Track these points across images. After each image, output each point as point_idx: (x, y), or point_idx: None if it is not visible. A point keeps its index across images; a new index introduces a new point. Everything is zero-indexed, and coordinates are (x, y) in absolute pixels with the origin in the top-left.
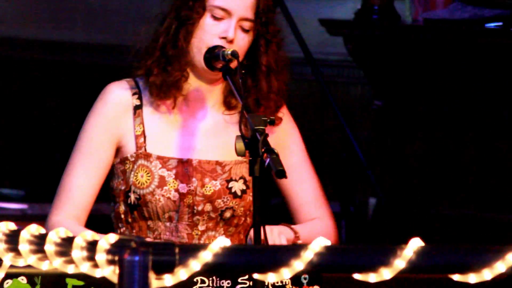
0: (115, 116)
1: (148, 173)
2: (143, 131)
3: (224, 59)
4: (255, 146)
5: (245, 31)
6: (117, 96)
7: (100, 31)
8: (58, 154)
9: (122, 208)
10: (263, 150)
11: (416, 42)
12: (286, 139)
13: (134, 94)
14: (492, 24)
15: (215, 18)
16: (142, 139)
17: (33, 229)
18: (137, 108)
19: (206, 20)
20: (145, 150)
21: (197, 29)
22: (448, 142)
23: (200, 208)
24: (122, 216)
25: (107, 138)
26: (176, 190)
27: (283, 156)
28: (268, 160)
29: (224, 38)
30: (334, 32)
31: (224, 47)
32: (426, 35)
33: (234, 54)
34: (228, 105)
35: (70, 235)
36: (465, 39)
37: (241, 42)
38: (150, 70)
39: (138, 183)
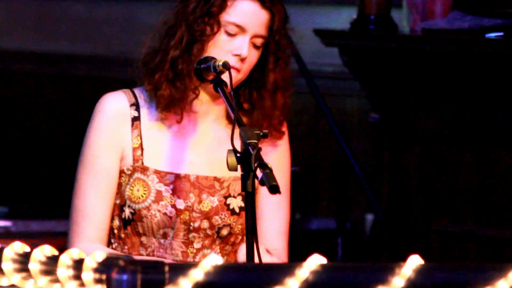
0: (116, 128)
1: (144, 187)
2: (141, 144)
3: (215, 71)
4: (247, 160)
5: (256, 47)
6: (116, 107)
7: (86, 42)
8: (44, 171)
9: (116, 222)
10: (256, 164)
11: (414, 53)
12: (274, 160)
13: (132, 105)
14: (493, 34)
15: (229, 34)
16: (139, 152)
17: (17, 247)
18: (135, 120)
19: (221, 36)
20: (142, 163)
21: (210, 45)
22: (448, 155)
23: (196, 224)
24: (115, 231)
25: (112, 152)
26: (173, 206)
27: None
28: (261, 175)
29: (237, 55)
30: (329, 42)
31: (215, 58)
32: (425, 45)
33: (225, 65)
34: (230, 119)
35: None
36: (465, 50)
37: (252, 58)
38: (159, 83)
39: (134, 197)
